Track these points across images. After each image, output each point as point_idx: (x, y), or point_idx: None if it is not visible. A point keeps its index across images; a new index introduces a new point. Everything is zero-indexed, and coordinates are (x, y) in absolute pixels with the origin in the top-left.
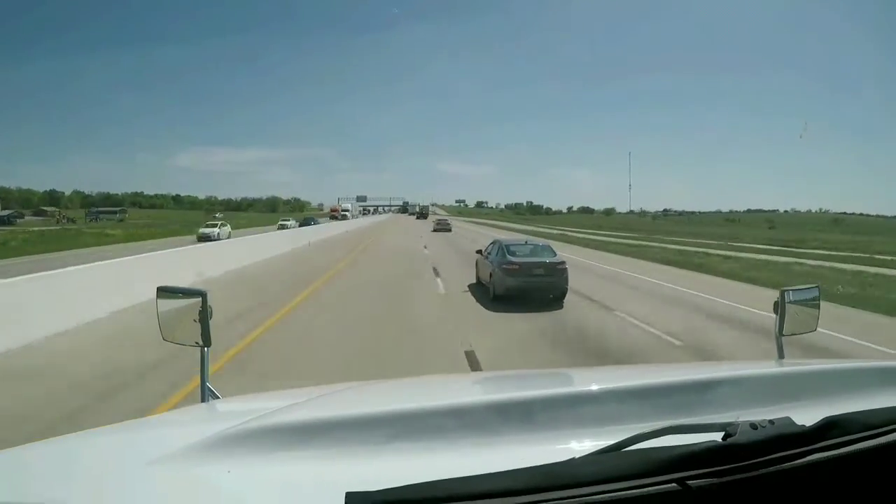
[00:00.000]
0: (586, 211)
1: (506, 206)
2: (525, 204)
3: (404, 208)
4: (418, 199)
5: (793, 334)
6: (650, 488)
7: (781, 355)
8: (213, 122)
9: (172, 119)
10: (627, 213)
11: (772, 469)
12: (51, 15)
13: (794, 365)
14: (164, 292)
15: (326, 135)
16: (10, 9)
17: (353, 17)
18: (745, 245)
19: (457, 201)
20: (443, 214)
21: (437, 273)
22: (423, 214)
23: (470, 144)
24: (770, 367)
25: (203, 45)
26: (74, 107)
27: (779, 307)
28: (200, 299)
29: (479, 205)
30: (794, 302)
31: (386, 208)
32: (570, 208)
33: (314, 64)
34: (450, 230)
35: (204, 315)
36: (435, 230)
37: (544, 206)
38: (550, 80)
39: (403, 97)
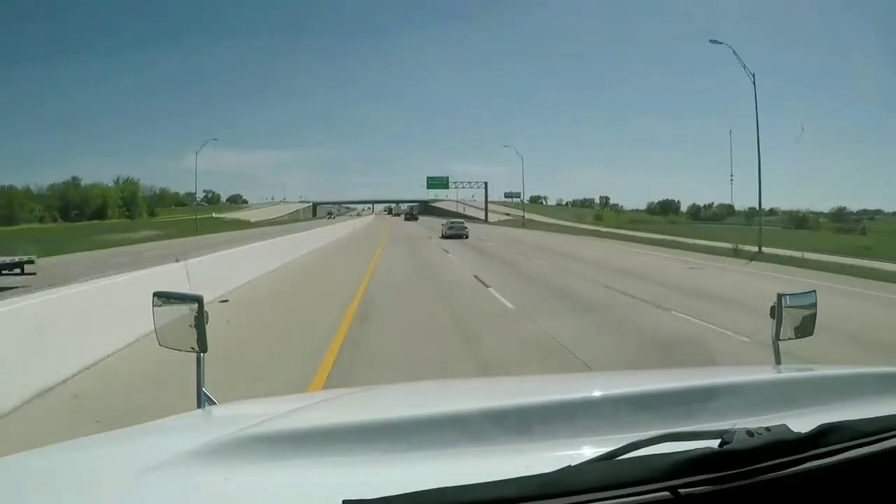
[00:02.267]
0: (667, 208)
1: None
2: (598, 200)
3: (389, 209)
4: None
5: (790, 339)
6: (647, 496)
7: (778, 361)
8: (222, 124)
9: (180, 122)
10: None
11: (768, 476)
12: (53, 17)
13: (791, 371)
14: (160, 297)
15: (338, 137)
16: (19, 11)
17: (360, 21)
18: None
19: (507, 195)
20: (491, 218)
21: None
22: (412, 216)
23: (489, 142)
24: (767, 374)
25: (207, 49)
26: (80, 108)
27: (776, 312)
28: (196, 304)
29: (535, 200)
30: (792, 307)
31: (369, 207)
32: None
33: (323, 67)
34: (466, 237)
35: (200, 320)
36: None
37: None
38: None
39: (414, 98)
